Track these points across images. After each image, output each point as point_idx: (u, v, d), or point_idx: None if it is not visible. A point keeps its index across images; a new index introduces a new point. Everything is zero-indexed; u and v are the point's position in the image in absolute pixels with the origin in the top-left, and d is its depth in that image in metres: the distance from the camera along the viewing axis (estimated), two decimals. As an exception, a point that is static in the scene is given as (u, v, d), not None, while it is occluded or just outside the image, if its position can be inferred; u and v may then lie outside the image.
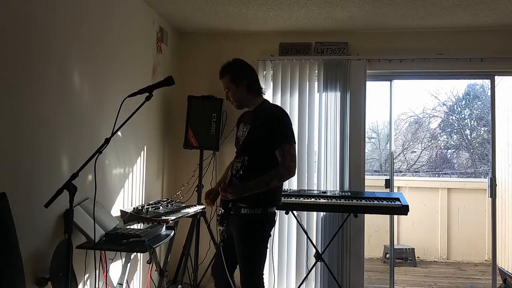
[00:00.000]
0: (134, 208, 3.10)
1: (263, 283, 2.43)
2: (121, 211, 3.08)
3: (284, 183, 3.95)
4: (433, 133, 9.98)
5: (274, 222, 2.47)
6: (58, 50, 2.43)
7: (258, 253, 2.39)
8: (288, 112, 4.01)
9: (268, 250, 2.50)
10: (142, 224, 2.86)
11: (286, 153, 2.29)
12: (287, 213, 3.68)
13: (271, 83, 4.19)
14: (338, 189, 3.94)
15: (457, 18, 3.73)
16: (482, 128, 9.53)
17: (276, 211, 2.47)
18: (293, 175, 2.37)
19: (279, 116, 2.40)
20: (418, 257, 5.90)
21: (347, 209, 3.42)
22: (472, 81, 9.46)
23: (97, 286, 2.66)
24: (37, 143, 2.27)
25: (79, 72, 2.64)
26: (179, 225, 3.48)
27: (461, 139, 9.84)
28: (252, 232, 2.35)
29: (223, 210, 2.36)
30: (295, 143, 2.38)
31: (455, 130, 9.95)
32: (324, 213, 3.95)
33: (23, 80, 2.16)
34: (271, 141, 2.32)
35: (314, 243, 3.81)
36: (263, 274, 2.42)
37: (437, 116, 9.86)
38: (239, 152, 2.42)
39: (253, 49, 4.20)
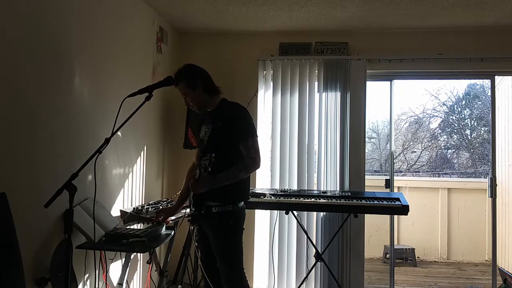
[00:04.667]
0: (134, 208, 3.10)
1: (245, 277, 2.46)
2: (121, 211, 3.08)
3: (284, 183, 4.02)
4: (433, 133, 9.99)
5: (245, 215, 2.53)
6: (58, 50, 2.43)
7: (234, 249, 2.43)
8: (288, 112, 4.10)
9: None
10: (142, 224, 2.86)
11: (250, 146, 2.38)
12: (287, 213, 3.67)
13: (271, 83, 4.18)
14: (338, 189, 3.94)
15: (457, 18, 3.73)
16: (482, 128, 9.54)
17: (244, 205, 2.53)
18: (259, 166, 2.45)
19: (239, 112, 2.47)
20: (418, 257, 5.90)
21: (347, 209, 3.42)
22: (472, 81, 9.47)
23: (97, 286, 2.66)
24: (37, 143, 2.27)
25: (78, 72, 2.64)
26: (179, 225, 3.48)
27: (461, 139, 9.84)
28: (226, 229, 2.41)
29: (194, 210, 2.43)
30: (257, 137, 2.46)
31: (455, 130, 9.95)
32: (324, 213, 3.95)
33: (23, 80, 2.16)
34: (234, 137, 2.39)
35: (314, 243, 3.81)
36: (243, 269, 2.46)
37: (437, 116, 9.87)
38: (204, 152, 2.47)
39: (253, 49, 4.20)
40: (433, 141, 9.93)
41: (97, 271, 2.60)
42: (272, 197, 3.46)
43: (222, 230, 2.41)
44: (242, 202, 2.49)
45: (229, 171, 2.34)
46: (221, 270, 2.42)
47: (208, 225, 2.45)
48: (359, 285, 3.87)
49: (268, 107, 4.18)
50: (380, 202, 3.38)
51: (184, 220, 3.48)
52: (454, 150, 9.86)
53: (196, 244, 2.51)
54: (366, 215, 3.83)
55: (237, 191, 2.43)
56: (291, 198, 3.46)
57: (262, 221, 4.06)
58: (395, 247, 4.43)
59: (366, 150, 4.63)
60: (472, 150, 9.58)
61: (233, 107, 2.51)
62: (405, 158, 9.81)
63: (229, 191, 2.38)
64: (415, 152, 9.84)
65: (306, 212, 3.92)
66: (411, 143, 9.87)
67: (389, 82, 4.23)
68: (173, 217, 3.00)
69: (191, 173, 2.67)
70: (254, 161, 2.38)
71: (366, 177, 4.04)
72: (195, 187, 2.30)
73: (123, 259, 3.03)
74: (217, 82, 2.55)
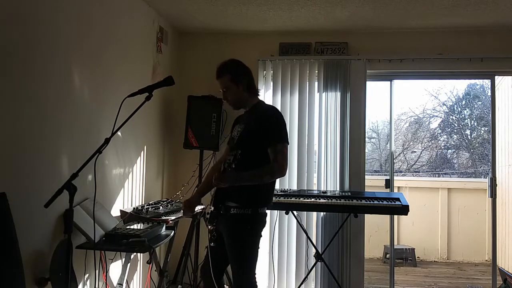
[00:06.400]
0: (134, 208, 3.10)
1: (256, 283, 2.42)
2: (121, 211, 3.08)
3: (284, 183, 4.01)
4: (433, 133, 9.99)
5: (265, 222, 2.47)
6: (58, 50, 2.43)
7: (248, 254, 2.38)
8: (288, 112, 4.10)
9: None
10: (142, 224, 2.86)
11: (278, 151, 2.31)
12: (287, 213, 3.67)
13: (271, 83, 4.18)
14: (338, 189, 3.94)
15: (457, 17, 3.73)
16: (482, 128, 9.54)
17: (267, 211, 2.47)
18: (284, 174, 2.38)
19: (273, 116, 2.42)
20: (418, 257, 5.90)
21: (347, 209, 3.42)
22: (472, 81, 9.48)
23: (97, 286, 2.65)
24: (37, 143, 2.27)
25: (79, 72, 2.64)
26: (179, 225, 3.48)
27: (461, 139, 9.85)
28: (242, 233, 2.35)
29: (213, 208, 2.39)
30: (288, 144, 2.40)
31: (455, 130, 9.96)
32: (324, 213, 3.95)
33: (23, 80, 2.16)
34: (264, 140, 2.34)
35: (314, 243, 3.81)
36: (255, 274, 2.42)
37: (437, 116, 9.87)
38: (232, 149, 2.44)
39: (253, 49, 4.20)
40: (433, 141, 9.93)
41: (97, 271, 2.60)
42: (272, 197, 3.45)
43: (238, 234, 2.35)
44: (264, 209, 2.42)
45: (254, 171, 2.30)
46: (232, 272, 2.39)
47: (224, 225, 2.39)
48: (359, 285, 3.87)
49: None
50: (380, 202, 3.38)
51: (184, 220, 3.48)
52: (454, 150, 9.87)
53: (212, 244, 2.43)
54: (366, 215, 3.83)
55: (258, 195, 2.36)
56: (291, 198, 3.46)
57: (262, 221, 4.05)
58: (395, 247, 4.43)
59: (366, 150, 4.63)
60: (472, 150, 9.59)
61: (268, 110, 2.47)
62: (405, 158, 9.81)
63: (250, 194, 2.32)
64: (415, 152, 9.85)
65: (306, 212, 3.92)
66: (411, 143, 9.88)
67: (389, 82, 4.22)
68: (173, 217, 3.00)
69: (215, 168, 2.63)
70: (280, 167, 2.31)
71: (366, 177, 4.04)
72: (218, 179, 2.24)
73: (123, 259, 3.03)
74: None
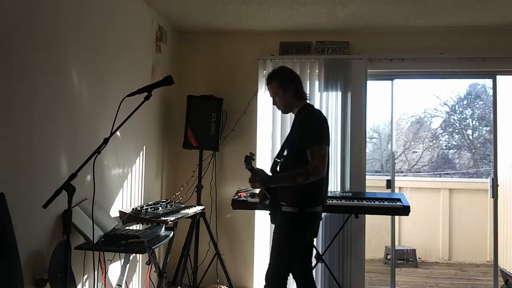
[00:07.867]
0: (133, 209, 3.08)
1: (281, 282, 2.46)
2: (120, 211, 3.06)
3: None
4: (434, 133, 9.96)
5: (313, 223, 2.54)
6: (57, 49, 2.41)
7: (282, 251, 2.46)
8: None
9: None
10: (141, 224, 2.84)
11: (314, 153, 2.39)
12: (287, 213, 3.65)
13: (272, 83, 4.16)
14: (339, 189, 3.92)
15: (459, 17, 3.71)
16: (484, 128, 9.51)
17: (319, 211, 2.56)
18: (321, 175, 2.43)
19: (312, 118, 2.54)
20: (419, 258, 5.88)
21: (348, 210, 3.40)
22: (474, 81, 9.44)
23: (95, 287, 2.64)
24: (36, 143, 2.25)
25: (78, 71, 2.62)
26: (179, 225, 3.47)
27: (462, 139, 9.82)
28: (283, 229, 2.47)
29: (269, 208, 2.59)
30: (326, 145, 2.47)
31: (456, 130, 9.92)
32: (325, 213, 3.93)
33: (23, 79, 2.14)
34: (303, 142, 2.44)
35: (315, 243, 3.78)
36: (284, 274, 2.48)
37: (438, 116, 9.84)
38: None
39: (253, 49, 4.19)
40: (434, 141, 9.91)
41: (96, 272, 2.58)
42: (273, 198, 3.43)
43: (280, 229, 2.49)
44: (314, 208, 2.48)
45: (289, 173, 2.43)
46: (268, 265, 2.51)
47: (276, 222, 2.56)
48: (359, 286, 3.85)
49: (268, 107, 4.15)
50: (381, 203, 3.37)
51: (184, 220, 3.46)
52: (455, 150, 9.84)
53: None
54: (367, 215, 3.81)
55: (306, 194, 2.44)
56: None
57: (262, 221, 4.04)
58: (396, 248, 4.42)
59: (367, 150, 4.61)
60: (473, 150, 9.56)
61: (309, 113, 2.58)
62: (406, 158, 9.78)
63: (297, 193, 2.42)
64: (416, 152, 9.82)
65: (306, 212, 3.90)
66: (413, 143, 9.85)
67: (390, 82, 4.21)
68: (172, 218, 2.99)
69: None
70: (316, 168, 2.37)
71: (367, 177, 4.02)
72: (252, 181, 2.49)
73: (122, 260, 3.02)
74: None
